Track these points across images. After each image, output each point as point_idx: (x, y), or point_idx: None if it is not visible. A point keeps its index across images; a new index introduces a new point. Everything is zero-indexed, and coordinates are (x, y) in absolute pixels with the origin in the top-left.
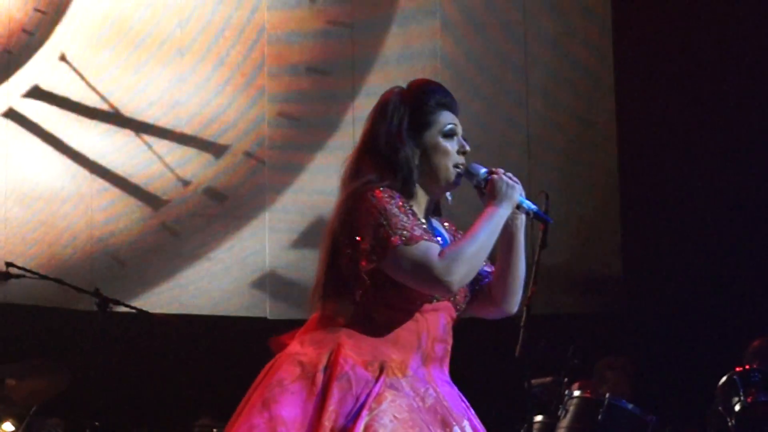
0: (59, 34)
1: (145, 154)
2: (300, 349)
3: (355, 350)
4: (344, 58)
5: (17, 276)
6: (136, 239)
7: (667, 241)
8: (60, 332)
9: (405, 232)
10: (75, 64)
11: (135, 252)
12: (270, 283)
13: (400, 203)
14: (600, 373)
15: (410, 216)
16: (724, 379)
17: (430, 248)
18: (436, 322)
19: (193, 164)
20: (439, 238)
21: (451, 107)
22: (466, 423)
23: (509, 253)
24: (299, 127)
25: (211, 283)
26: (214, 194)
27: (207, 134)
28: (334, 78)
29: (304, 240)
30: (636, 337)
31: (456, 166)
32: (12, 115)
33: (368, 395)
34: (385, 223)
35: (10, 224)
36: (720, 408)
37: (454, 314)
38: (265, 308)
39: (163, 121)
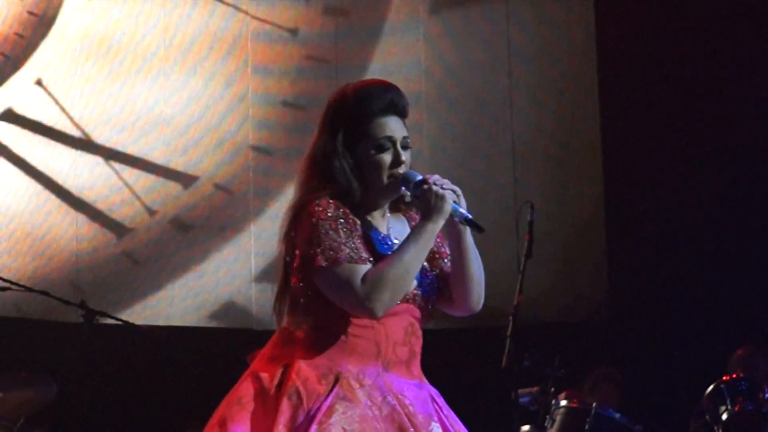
0: (36, 59)
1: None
2: (259, 365)
3: (310, 364)
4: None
5: (2, 288)
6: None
7: (654, 250)
8: (46, 344)
9: (331, 253)
10: (51, 89)
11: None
12: (255, 295)
13: (337, 217)
14: (595, 383)
15: (343, 233)
16: (710, 388)
17: (353, 271)
18: (395, 326)
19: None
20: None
21: (390, 111)
22: (434, 425)
23: (459, 255)
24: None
25: (198, 295)
26: (181, 224)
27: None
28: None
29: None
30: (621, 346)
31: (391, 176)
32: None
33: (318, 409)
34: (315, 241)
35: None
36: (707, 417)
37: (418, 314)
38: (250, 320)
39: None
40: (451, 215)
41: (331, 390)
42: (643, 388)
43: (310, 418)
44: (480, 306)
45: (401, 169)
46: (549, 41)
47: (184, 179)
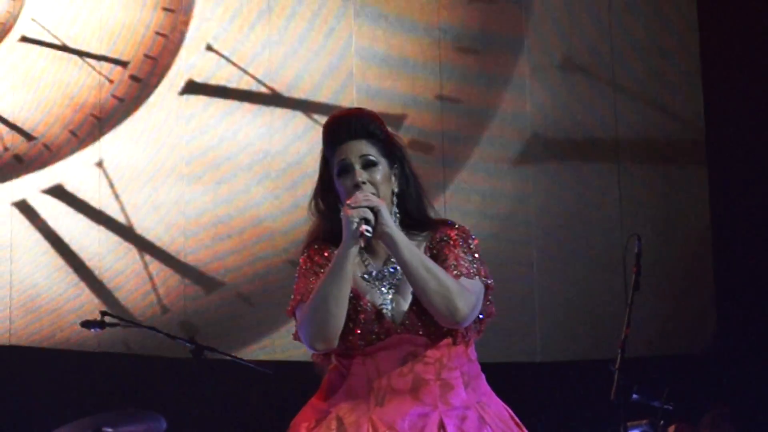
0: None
1: None
2: None
3: (313, 407)
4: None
5: (112, 324)
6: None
7: (764, 280)
8: (155, 380)
9: (296, 297)
10: None
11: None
12: None
13: (314, 262)
14: (713, 421)
15: (312, 277)
16: None
17: (302, 310)
18: (388, 358)
19: None
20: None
21: (348, 136)
22: None
23: (402, 269)
24: None
25: None
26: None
27: None
28: None
29: None
30: (730, 379)
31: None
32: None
33: None
34: (294, 288)
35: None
36: None
37: (422, 340)
38: None
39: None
40: (362, 234)
41: None
42: (753, 422)
43: None
44: (458, 319)
45: (363, 189)
46: (655, 68)
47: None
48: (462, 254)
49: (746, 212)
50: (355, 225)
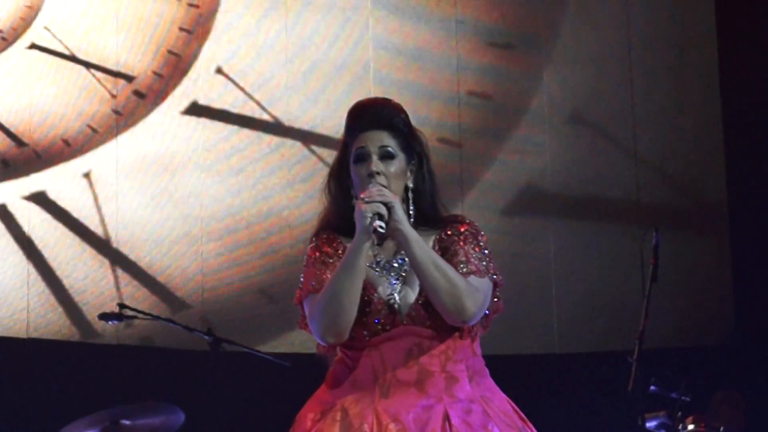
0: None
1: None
2: None
3: (319, 400)
4: None
5: (130, 317)
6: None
7: None
8: (172, 372)
9: (305, 287)
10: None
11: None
12: None
13: (323, 251)
14: (716, 407)
15: (321, 265)
16: None
17: (312, 301)
18: (393, 350)
19: None
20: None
21: (371, 125)
22: None
23: (412, 265)
24: None
25: None
26: None
27: None
28: None
29: None
30: (749, 370)
31: (360, 198)
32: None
33: None
34: (301, 279)
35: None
36: None
37: (428, 332)
38: None
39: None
40: (371, 232)
41: (312, 426)
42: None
43: None
44: (464, 318)
45: (377, 179)
46: (671, 61)
47: None
48: (472, 250)
49: (765, 203)
50: (368, 220)
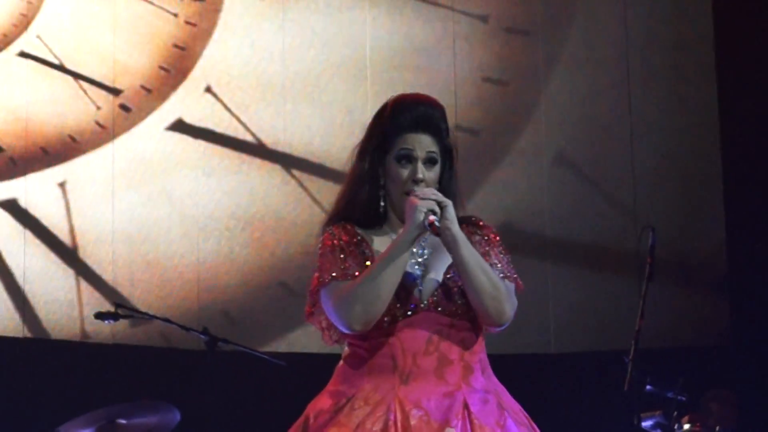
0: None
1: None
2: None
3: (332, 392)
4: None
5: (126, 316)
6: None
7: None
8: (169, 371)
9: (324, 275)
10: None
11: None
12: None
13: (341, 239)
14: (705, 405)
15: (341, 254)
16: None
17: (335, 289)
18: (413, 337)
19: None
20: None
21: (417, 127)
22: (448, 431)
23: (457, 266)
24: None
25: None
26: None
27: None
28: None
29: None
30: (744, 370)
31: (407, 193)
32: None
33: None
34: (317, 266)
35: (117, 265)
36: None
37: (446, 320)
38: None
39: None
40: (427, 226)
41: (331, 418)
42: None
43: None
44: (502, 321)
45: (419, 185)
46: (668, 66)
47: None
48: (501, 255)
49: (762, 204)
50: (423, 216)
